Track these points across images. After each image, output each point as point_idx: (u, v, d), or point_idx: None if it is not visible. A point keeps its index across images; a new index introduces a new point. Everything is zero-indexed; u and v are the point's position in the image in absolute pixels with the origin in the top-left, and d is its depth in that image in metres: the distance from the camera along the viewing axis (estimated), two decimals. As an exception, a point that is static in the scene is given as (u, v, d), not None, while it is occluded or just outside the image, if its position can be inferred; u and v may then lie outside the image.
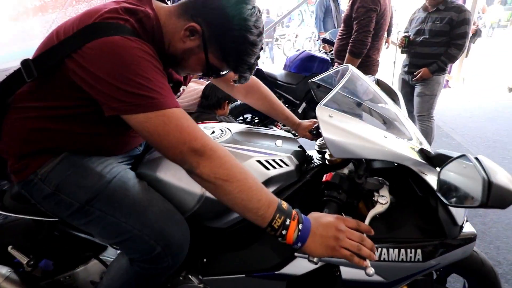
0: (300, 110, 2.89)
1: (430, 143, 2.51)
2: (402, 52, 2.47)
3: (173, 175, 0.86)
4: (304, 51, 2.88)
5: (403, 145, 0.77)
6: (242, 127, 1.08)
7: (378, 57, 2.22)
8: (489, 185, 0.48)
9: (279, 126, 2.78)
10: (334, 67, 2.32)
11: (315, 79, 1.09)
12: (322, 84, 1.08)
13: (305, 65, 2.84)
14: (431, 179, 0.72)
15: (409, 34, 2.36)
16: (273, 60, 9.51)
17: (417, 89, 2.41)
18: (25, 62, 0.72)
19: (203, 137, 0.68)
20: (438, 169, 0.76)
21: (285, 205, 0.67)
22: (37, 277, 1.06)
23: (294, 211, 0.67)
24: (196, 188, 0.84)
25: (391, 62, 4.00)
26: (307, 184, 0.90)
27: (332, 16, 3.80)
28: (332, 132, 0.70)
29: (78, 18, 0.73)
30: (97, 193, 0.80)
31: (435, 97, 2.36)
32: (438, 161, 0.74)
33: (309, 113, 2.96)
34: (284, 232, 0.64)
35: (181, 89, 1.01)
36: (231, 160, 0.68)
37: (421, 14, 2.30)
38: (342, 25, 2.18)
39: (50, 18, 2.64)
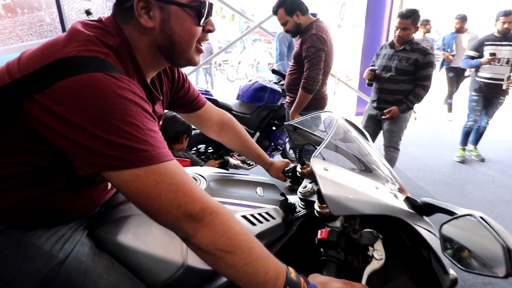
0: (254, 139, 2.88)
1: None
2: (368, 85, 2.60)
3: (143, 241, 0.72)
4: (256, 81, 2.92)
5: (393, 195, 0.77)
6: (215, 172, 0.99)
7: (326, 90, 2.35)
8: (509, 253, 0.48)
9: (234, 156, 2.71)
10: (286, 99, 2.39)
11: (291, 122, 1.07)
12: (299, 127, 1.06)
13: (258, 95, 2.87)
14: (422, 230, 0.72)
15: (376, 68, 2.50)
16: (212, 85, 9.56)
17: (386, 125, 2.56)
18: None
19: (202, 197, 0.57)
20: (425, 218, 0.78)
21: (293, 273, 0.59)
22: None
23: (301, 279, 0.59)
24: (175, 255, 0.71)
25: (332, 93, 4.32)
26: (294, 237, 0.84)
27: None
28: (331, 189, 0.66)
29: (40, 51, 0.58)
30: (44, 282, 0.62)
31: (402, 131, 2.55)
32: (425, 209, 0.75)
33: (263, 142, 2.97)
34: None
35: (160, 123, 0.89)
36: (234, 226, 0.58)
37: (388, 50, 2.45)
38: (292, 61, 2.27)
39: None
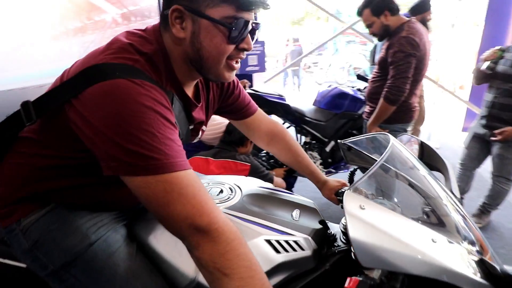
0: (328, 149, 2.72)
1: (498, 204, 2.22)
2: (476, 83, 2.06)
3: (167, 247, 0.74)
4: (336, 87, 2.74)
5: (458, 254, 0.59)
6: (256, 186, 0.94)
7: (416, 101, 2.02)
8: None
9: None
10: (366, 109, 2.15)
11: (346, 141, 0.94)
12: (353, 146, 0.92)
13: (336, 102, 2.68)
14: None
15: (506, 48, 1.94)
16: (299, 88, 9.46)
17: (496, 149, 2.06)
18: (25, 104, 0.64)
19: (211, 212, 0.55)
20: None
21: None
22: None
23: None
24: (189, 268, 0.70)
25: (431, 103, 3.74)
26: (326, 275, 0.73)
27: None
28: (362, 233, 0.54)
29: (85, 58, 0.65)
30: (75, 257, 0.69)
31: None
32: (505, 283, 0.55)
33: (337, 152, 2.77)
34: None
35: (201, 130, 0.91)
36: (238, 248, 0.55)
37: None
38: (376, 67, 2.02)
39: (89, 39, 2.75)
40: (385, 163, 0.68)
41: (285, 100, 2.42)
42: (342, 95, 2.67)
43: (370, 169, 0.63)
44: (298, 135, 2.77)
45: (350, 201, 0.57)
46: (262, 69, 4.80)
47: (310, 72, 10.97)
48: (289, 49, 8.91)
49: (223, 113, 1.01)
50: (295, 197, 0.94)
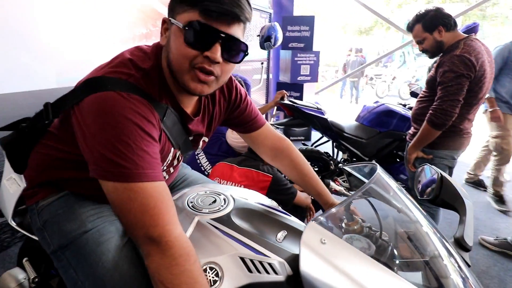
0: (367, 168, 2.56)
1: None
2: None
3: None
4: (383, 104, 2.57)
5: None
6: (253, 201, 0.94)
7: (469, 127, 1.78)
8: None
9: (338, 181, 2.50)
10: (410, 131, 1.97)
11: (347, 167, 0.88)
12: (353, 173, 0.86)
13: (382, 120, 2.52)
14: None
15: None
16: (357, 100, 9.03)
17: None
18: (46, 105, 0.76)
19: (166, 225, 0.59)
20: None
21: None
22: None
23: None
24: None
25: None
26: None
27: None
28: (315, 268, 0.51)
29: (94, 69, 0.73)
30: (70, 241, 0.77)
31: None
32: None
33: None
34: None
35: (201, 141, 0.95)
36: (184, 264, 0.57)
37: None
38: (425, 86, 1.84)
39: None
40: (368, 198, 0.63)
41: (323, 114, 2.36)
42: (389, 113, 2.50)
43: (344, 201, 0.60)
44: (335, 150, 2.67)
45: (311, 233, 0.54)
46: (314, 79, 4.73)
47: (372, 85, 10.42)
48: (349, 59, 8.61)
49: (230, 125, 1.04)
50: (288, 218, 0.91)
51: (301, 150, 2.40)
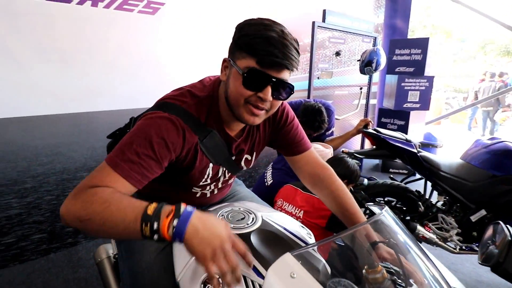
0: (474, 218, 2.09)
1: None
2: None
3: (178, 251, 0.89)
4: (502, 141, 2.07)
5: None
6: (281, 226, 0.95)
7: None
8: None
9: (428, 227, 2.13)
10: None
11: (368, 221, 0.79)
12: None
13: (499, 161, 2.02)
14: None
15: None
16: (483, 130, 7.37)
17: None
18: (131, 118, 1.00)
19: (100, 182, 0.70)
20: None
21: (151, 209, 0.63)
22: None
23: (172, 207, 0.63)
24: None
25: None
26: None
27: None
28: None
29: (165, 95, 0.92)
30: (123, 238, 0.94)
31: None
32: None
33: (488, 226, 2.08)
34: (156, 236, 0.62)
35: (243, 159, 1.03)
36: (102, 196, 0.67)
37: None
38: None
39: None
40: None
41: (413, 147, 2.07)
42: (511, 154, 1.99)
43: (333, 236, 0.57)
44: (429, 190, 2.28)
45: (282, 263, 0.53)
46: (424, 107, 4.20)
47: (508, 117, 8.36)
48: (483, 85, 7.19)
49: (274, 147, 1.09)
50: (308, 250, 0.88)
51: (384, 185, 2.16)
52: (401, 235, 0.66)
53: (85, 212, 0.65)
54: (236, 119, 0.86)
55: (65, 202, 0.68)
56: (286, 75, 0.79)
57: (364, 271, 0.74)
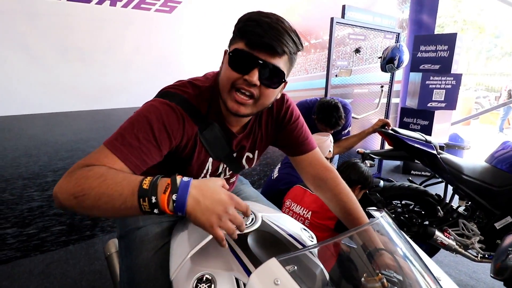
0: (498, 225, 1.96)
1: None
2: None
3: (175, 237, 0.89)
4: (533, 144, 1.92)
5: None
6: (281, 228, 0.92)
7: None
8: None
9: (447, 233, 2.02)
10: None
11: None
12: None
13: (529, 165, 1.88)
14: None
15: None
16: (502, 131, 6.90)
17: None
18: None
19: (96, 161, 0.68)
20: None
21: (146, 183, 0.60)
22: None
23: (168, 181, 0.61)
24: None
25: None
26: None
27: None
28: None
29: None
30: (125, 234, 0.96)
31: None
32: None
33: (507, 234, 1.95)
34: (156, 210, 0.60)
35: (245, 156, 1.01)
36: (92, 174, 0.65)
37: None
38: None
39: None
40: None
41: (432, 149, 1.96)
42: (543, 158, 1.84)
43: (313, 245, 0.54)
44: (450, 194, 2.16)
45: (267, 268, 0.51)
46: (450, 106, 4.00)
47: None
48: (517, 83, 6.73)
49: (278, 146, 1.06)
50: (306, 254, 0.84)
51: (401, 187, 2.07)
52: (396, 242, 0.62)
53: (80, 188, 0.62)
54: (226, 110, 0.83)
55: (58, 183, 0.66)
56: (277, 61, 0.75)
57: (363, 279, 0.70)
